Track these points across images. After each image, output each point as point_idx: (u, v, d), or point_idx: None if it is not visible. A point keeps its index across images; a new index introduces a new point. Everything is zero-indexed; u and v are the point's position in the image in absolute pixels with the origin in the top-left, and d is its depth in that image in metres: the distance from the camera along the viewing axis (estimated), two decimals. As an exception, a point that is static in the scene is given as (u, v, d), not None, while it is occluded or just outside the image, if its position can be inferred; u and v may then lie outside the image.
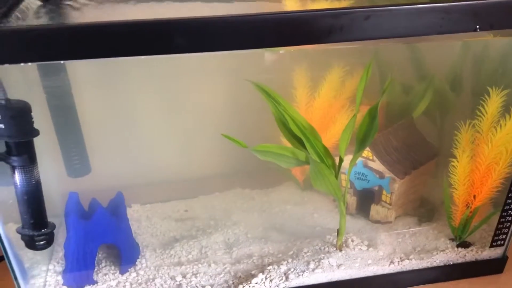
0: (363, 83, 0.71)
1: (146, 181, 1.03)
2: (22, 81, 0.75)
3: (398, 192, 0.89)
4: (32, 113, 0.63)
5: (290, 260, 0.84)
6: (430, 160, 0.93)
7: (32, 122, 0.64)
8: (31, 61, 0.58)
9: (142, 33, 0.55)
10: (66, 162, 0.87)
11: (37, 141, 0.67)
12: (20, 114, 0.62)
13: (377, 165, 0.89)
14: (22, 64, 0.56)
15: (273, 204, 1.02)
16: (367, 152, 0.89)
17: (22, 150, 0.63)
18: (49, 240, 0.71)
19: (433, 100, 0.93)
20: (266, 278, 0.80)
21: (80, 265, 0.80)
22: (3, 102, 0.60)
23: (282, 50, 0.72)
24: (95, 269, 0.83)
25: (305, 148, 0.74)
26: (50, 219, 0.72)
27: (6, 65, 0.56)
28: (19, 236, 0.69)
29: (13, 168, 0.64)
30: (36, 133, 0.64)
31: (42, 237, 0.69)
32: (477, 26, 0.61)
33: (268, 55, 0.87)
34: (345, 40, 0.59)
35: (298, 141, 0.75)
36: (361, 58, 0.81)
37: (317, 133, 0.74)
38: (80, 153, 0.87)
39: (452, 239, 0.89)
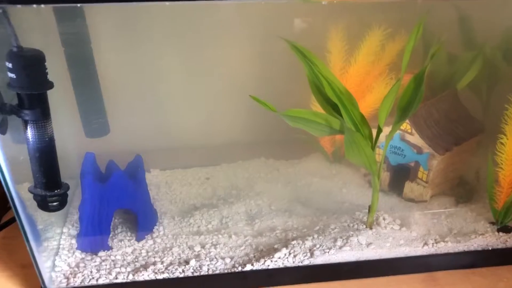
0: (412, 43, 0.64)
1: (167, 146, 1.00)
2: (38, 30, 0.71)
3: (436, 169, 0.83)
4: (46, 63, 0.58)
5: (315, 236, 0.79)
6: (473, 137, 0.87)
7: (46, 73, 0.59)
8: (45, 2, 0.52)
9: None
10: (84, 121, 0.83)
11: (53, 97, 0.62)
12: (33, 64, 0.57)
13: (415, 139, 0.83)
14: (35, 6, 0.51)
15: (299, 176, 0.98)
16: (405, 125, 0.83)
17: (35, 103, 0.59)
18: (62, 202, 0.67)
19: (481, 71, 0.85)
20: (289, 253, 0.76)
21: (95, 229, 0.76)
22: (15, 49, 0.55)
23: (325, 1, 0.64)
24: (111, 235, 0.80)
25: (341, 115, 0.68)
26: (65, 180, 0.68)
27: (19, 7, 0.51)
28: (32, 196, 0.66)
29: (25, 123, 0.60)
30: (50, 85, 0.60)
31: (54, 198, 0.66)
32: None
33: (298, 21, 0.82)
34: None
35: (333, 108, 0.69)
36: (405, 16, 0.74)
37: (354, 99, 0.68)
38: (98, 112, 0.83)
39: (493, 223, 0.83)
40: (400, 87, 0.68)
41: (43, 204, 0.66)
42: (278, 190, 0.94)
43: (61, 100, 0.80)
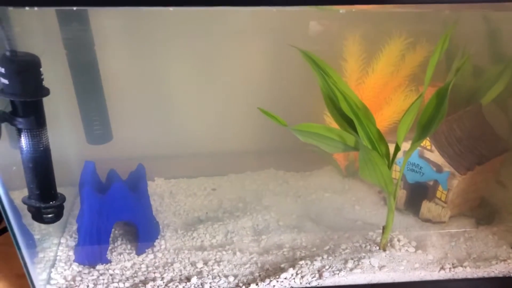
0: (437, 56, 0.60)
1: (173, 153, 0.97)
2: (39, 32, 0.68)
3: (457, 189, 0.79)
4: (41, 69, 0.55)
5: (325, 256, 0.76)
6: (497, 156, 0.82)
7: (41, 79, 0.55)
8: (39, 5, 0.49)
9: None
10: (86, 127, 0.80)
11: (55, 102, 0.60)
12: (26, 69, 0.54)
13: (435, 156, 0.79)
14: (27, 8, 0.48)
15: (310, 190, 0.95)
16: (425, 141, 0.79)
17: (29, 111, 0.56)
18: (58, 214, 0.64)
19: (509, 85, 0.81)
20: (297, 274, 0.72)
21: (93, 241, 0.73)
22: (7, 53, 0.52)
23: (342, 9, 0.60)
24: (110, 247, 0.77)
25: (356, 131, 0.64)
26: (66, 188, 0.66)
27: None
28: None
29: (19, 131, 0.57)
30: (45, 92, 0.56)
31: (50, 210, 0.63)
32: None
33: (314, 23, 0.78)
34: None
35: (347, 123, 0.65)
36: (427, 26, 0.70)
37: (371, 115, 0.64)
38: (101, 118, 0.80)
39: (517, 248, 0.78)
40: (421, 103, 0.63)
41: (38, 216, 0.63)
42: (287, 204, 0.91)
43: (63, 105, 0.78)
